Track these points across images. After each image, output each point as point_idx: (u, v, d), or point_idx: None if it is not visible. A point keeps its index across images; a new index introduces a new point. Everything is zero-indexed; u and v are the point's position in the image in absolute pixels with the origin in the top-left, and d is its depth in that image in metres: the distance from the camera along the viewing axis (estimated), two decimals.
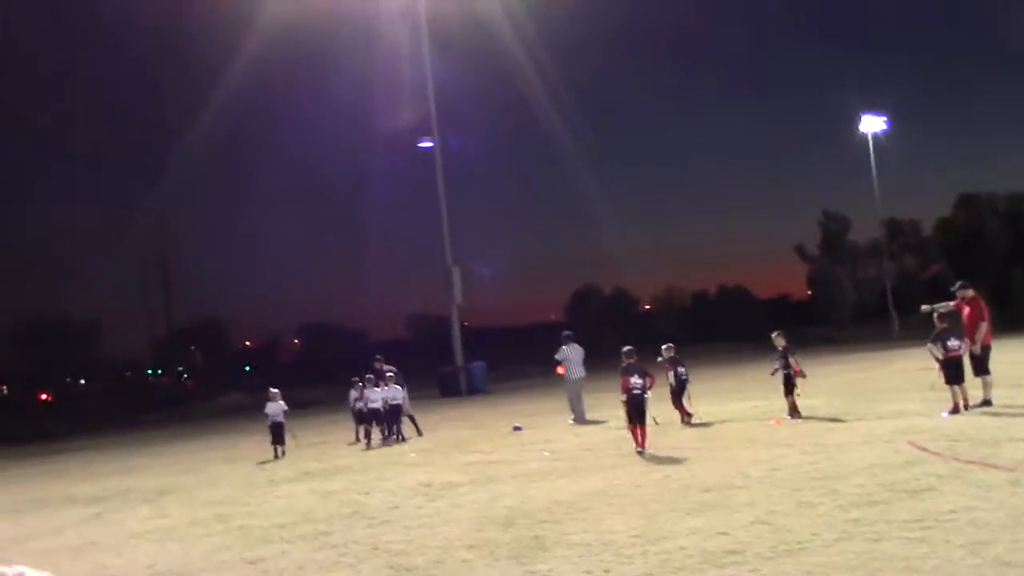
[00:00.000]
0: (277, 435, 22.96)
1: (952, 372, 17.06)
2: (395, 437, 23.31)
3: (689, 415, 19.65)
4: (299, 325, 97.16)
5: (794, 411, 18.67)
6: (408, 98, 50.93)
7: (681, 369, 20.11)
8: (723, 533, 9.25)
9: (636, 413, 16.37)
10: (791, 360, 18.94)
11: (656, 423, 18.02)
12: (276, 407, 23.22)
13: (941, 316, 17.78)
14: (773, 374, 19.49)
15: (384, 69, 56.07)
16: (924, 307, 18.71)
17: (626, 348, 17.25)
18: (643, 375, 16.58)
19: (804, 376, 19.04)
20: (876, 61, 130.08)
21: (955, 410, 16.76)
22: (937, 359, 17.29)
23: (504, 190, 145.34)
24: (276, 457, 22.46)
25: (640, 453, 15.90)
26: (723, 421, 19.87)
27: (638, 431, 16.31)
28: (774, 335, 19.46)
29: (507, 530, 10.61)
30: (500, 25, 51.26)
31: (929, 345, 17.55)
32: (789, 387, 18.91)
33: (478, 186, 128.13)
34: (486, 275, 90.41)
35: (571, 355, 23.34)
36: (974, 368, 17.61)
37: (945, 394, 17.17)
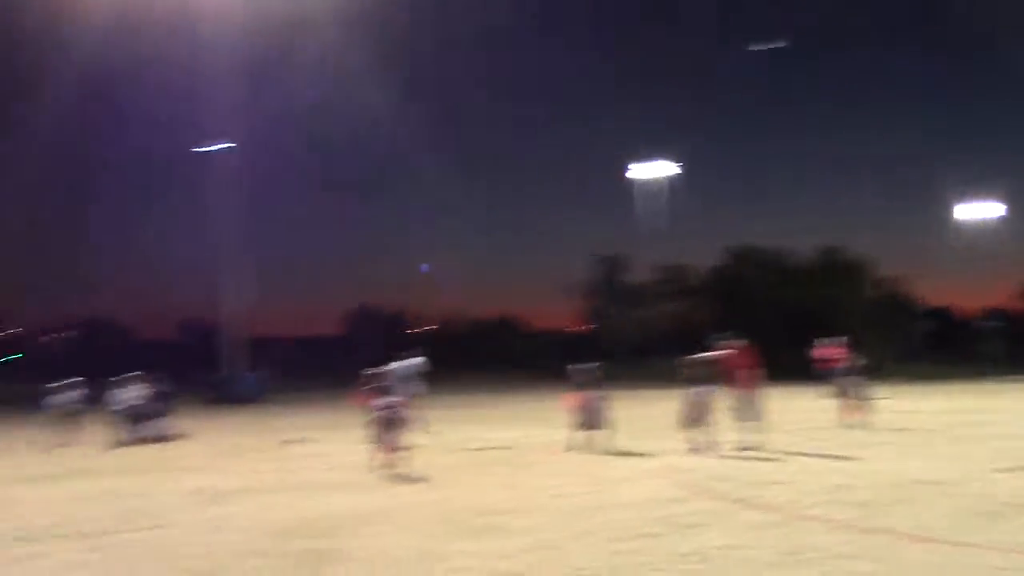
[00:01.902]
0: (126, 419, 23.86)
1: (696, 414, 17.98)
2: (144, 436, 23.76)
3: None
4: (66, 318, 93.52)
5: (580, 446, 19.05)
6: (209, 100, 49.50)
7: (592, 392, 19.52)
8: (506, 556, 9.47)
9: (386, 432, 16.74)
10: (595, 393, 19.35)
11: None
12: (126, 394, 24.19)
13: (695, 363, 18.64)
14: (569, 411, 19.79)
15: (184, 69, 54.62)
16: (683, 359, 19.37)
17: (383, 368, 18.10)
18: (395, 394, 17.13)
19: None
20: (663, 107, 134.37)
21: (697, 450, 17.71)
22: (687, 402, 18.15)
23: (292, 199, 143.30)
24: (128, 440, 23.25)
25: (390, 471, 16.24)
26: (503, 447, 20.23)
27: (387, 449, 16.68)
28: (579, 367, 19.83)
29: (287, 541, 10.57)
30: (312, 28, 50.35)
31: (685, 389, 18.43)
32: (589, 419, 19.34)
33: (264, 193, 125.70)
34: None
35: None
36: (742, 413, 18.54)
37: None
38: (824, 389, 33.98)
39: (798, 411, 28.42)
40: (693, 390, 17.98)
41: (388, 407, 16.82)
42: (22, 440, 25.15)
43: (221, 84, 46.39)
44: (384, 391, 17.14)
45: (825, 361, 34.06)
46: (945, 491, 12.96)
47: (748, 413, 18.55)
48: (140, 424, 24.06)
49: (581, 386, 19.41)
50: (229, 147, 46.47)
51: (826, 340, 34.36)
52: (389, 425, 16.75)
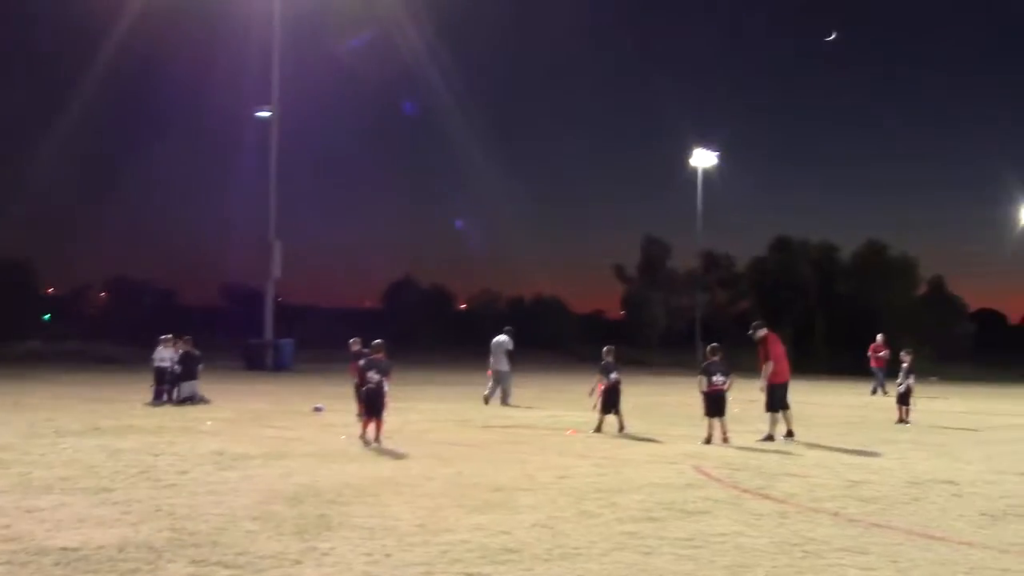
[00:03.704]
0: (160, 379, 24.49)
1: (711, 405, 17.85)
2: (173, 397, 24.26)
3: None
4: (108, 278, 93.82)
5: (602, 428, 19.07)
6: (256, 67, 49.58)
7: (615, 374, 19.53)
8: (505, 532, 9.49)
9: (370, 406, 16.86)
10: (616, 375, 19.35)
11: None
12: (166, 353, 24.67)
13: (713, 350, 18.53)
14: (591, 394, 19.87)
15: (235, 37, 54.64)
16: (708, 347, 19.23)
17: (375, 342, 17.78)
18: (381, 370, 16.96)
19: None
20: (712, 97, 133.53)
21: (708, 441, 17.55)
22: (701, 391, 18.06)
23: (335, 169, 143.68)
24: (159, 401, 23.99)
25: (366, 443, 16.46)
26: (522, 426, 20.28)
27: (371, 423, 16.79)
28: (605, 350, 19.87)
29: (294, 506, 10.66)
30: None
31: (698, 377, 18.35)
32: (610, 403, 19.34)
33: (312, 161, 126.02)
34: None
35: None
36: (770, 404, 18.48)
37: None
38: (869, 385, 34.17)
39: (832, 406, 28.28)
40: (709, 378, 17.88)
41: (370, 383, 16.86)
42: (58, 396, 25.54)
43: (272, 49, 46.60)
44: (370, 366, 17.11)
45: (877, 358, 34.17)
46: (962, 491, 12.88)
47: (769, 404, 18.47)
48: (169, 385, 24.37)
49: (605, 369, 19.37)
50: (271, 113, 46.61)
51: (879, 337, 34.47)
52: (372, 399, 16.83)
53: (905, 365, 23.27)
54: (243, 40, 50.80)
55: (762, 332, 18.84)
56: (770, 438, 18.11)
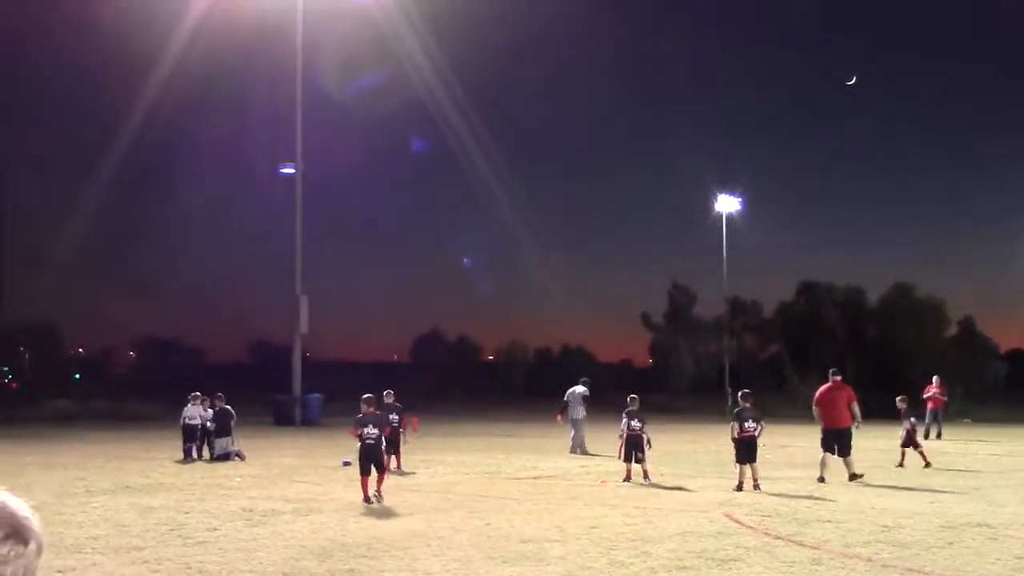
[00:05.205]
0: (190, 436, 24.45)
1: (742, 451, 17.76)
2: (204, 454, 24.35)
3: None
4: (136, 337, 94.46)
5: (630, 477, 18.99)
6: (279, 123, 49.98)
7: (636, 423, 19.31)
8: None
9: (369, 463, 16.30)
10: (637, 424, 19.24)
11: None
12: (195, 411, 24.62)
13: (744, 396, 18.53)
14: (621, 437, 19.82)
15: (257, 94, 55.19)
16: (740, 393, 19.26)
17: (366, 396, 17.11)
18: (379, 424, 16.60)
19: (649, 446, 19.32)
20: (736, 141, 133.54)
21: (739, 487, 17.42)
22: (733, 437, 17.97)
23: (358, 223, 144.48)
24: (189, 458, 23.97)
25: (368, 501, 15.82)
26: (551, 476, 20.20)
27: (368, 481, 16.19)
28: (630, 399, 19.82)
29: (323, 562, 10.63)
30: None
31: (730, 423, 18.31)
32: (630, 451, 19.21)
33: (334, 215, 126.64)
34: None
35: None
36: (840, 448, 19.06)
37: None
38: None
39: (864, 450, 27.99)
40: (741, 424, 17.81)
41: (368, 439, 16.36)
42: (88, 455, 25.61)
43: (296, 109, 46.92)
44: (366, 421, 16.53)
45: (935, 400, 33.80)
46: (998, 534, 12.73)
47: (823, 446, 19.04)
48: (199, 442, 24.43)
49: (629, 417, 19.31)
50: (295, 170, 46.79)
51: (935, 379, 34.10)
52: (371, 454, 16.37)
53: (903, 411, 23.42)
54: (267, 97, 51.30)
55: (832, 378, 19.75)
56: (821, 480, 18.47)
